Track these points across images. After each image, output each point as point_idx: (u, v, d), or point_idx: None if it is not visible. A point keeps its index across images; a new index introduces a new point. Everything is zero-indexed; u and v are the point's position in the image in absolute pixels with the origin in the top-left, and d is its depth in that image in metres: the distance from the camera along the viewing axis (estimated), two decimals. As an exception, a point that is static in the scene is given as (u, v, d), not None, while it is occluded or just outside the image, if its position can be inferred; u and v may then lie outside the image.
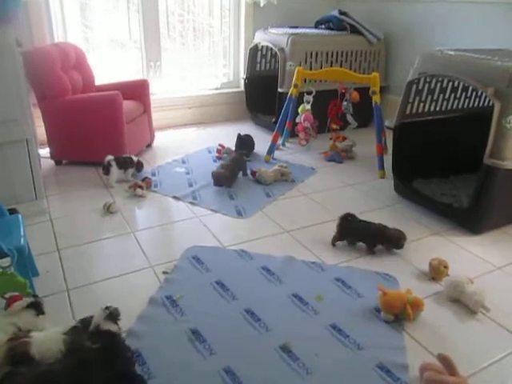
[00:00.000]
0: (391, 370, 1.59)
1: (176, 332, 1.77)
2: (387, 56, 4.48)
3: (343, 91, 3.56)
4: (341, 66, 4.16)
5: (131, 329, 1.77)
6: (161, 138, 4.11)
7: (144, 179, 3.09)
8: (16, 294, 1.77)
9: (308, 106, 3.66)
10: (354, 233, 2.38)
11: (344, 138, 3.68)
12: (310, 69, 4.00)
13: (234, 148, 3.63)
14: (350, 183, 3.21)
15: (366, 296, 1.99)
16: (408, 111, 2.86)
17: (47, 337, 1.54)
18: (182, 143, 4.06)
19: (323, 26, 4.49)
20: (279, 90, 4.08)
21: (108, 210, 2.74)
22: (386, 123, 3.18)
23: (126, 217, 2.72)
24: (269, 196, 3.00)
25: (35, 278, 2.05)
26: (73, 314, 1.89)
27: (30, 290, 1.80)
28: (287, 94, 3.66)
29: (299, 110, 3.72)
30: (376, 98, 3.32)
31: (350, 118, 3.59)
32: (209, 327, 1.79)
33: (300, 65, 3.86)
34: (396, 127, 2.88)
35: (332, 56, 4.17)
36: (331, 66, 4.12)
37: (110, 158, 3.11)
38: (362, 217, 2.42)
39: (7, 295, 1.77)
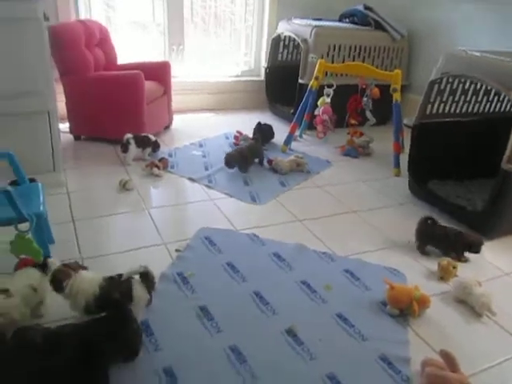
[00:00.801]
0: (393, 362, 1.61)
1: (185, 308, 1.81)
2: (410, 53, 4.45)
3: (364, 87, 3.55)
4: (363, 61, 4.13)
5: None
6: (179, 121, 4.14)
7: (161, 159, 3.12)
8: (28, 257, 1.84)
9: (328, 99, 3.66)
10: (434, 238, 2.29)
11: (361, 134, 3.67)
12: (332, 62, 3.99)
13: (251, 135, 3.65)
14: (364, 179, 3.22)
15: (373, 289, 2.00)
16: (428, 111, 2.85)
17: (88, 278, 1.65)
18: (200, 127, 4.09)
19: (347, 20, 4.47)
20: (300, 81, 4.08)
21: (124, 186, 2.78)
22: (405, 121, 3.18)
23: (141, 194, 2.76)
24: (283, 185, 3.01)
25: (50, 246, 2.09)
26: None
27: (42, 258, 1.85)
28: (307, 85, 3.66)
29: (318, 102, 3.73)
30: (396, 96, 3.31)
31: (369, 114, 3.59)
32: (217, 306, 1.83)
33: (322, 57, 3.85)
34: (415, 126, 2.87)
35: (355, 50, 4.15)
36: (353, 60, 4.10)
37: (129, 136, 3.15)
38: (374, 213, 2.43)
39: (21, 256, 1.83)
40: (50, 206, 2.36)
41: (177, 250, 2.18)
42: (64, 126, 3.59)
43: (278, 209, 2.70)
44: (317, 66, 3.54)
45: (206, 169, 3.17)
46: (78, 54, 3.36)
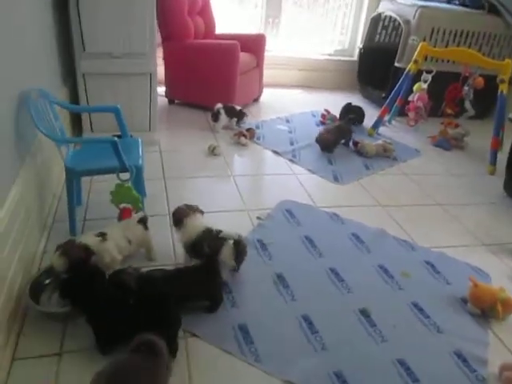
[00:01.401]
0: (469, 360, 1.56)
1: (263, 273, 1.87)
2: (524, 44, 4.07)
3: (467, 75, 3.32)
4: (469, 47, 3.85)
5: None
6: (268, 95, 4.18)
7: (249, 129, 3.19)
8: (128, 206, 1.99)
9: (424, 86, 3.49)
10: None
11: (457, 126, 3.47)
12: (435, 46, 3.75)
13: (338, 115, 3.59)
14: (454, 173, 3.06)
15: (454, 284, 1.93)
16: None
17: (195, 223, 1.82)
18: (288, 103, 4.10)
19: (457, 2, 4.17)
20: (396, 64, 3.91)
21: (212, 152, 2.89)
22: (511, 116, 2.94)
23: (227, 161, 2.86)
24: (368, 168, 2.96)
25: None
26: (172, 235, 2.05)
27: (141, 205, 2.00)
28: (404, 69, 3.50)
29: (414, 88, 3.55)
30: (503, 88, 3.06)
31: (468, 104, 3.37)
32: (293, 276, 1.87)
33: (424, 40, 3.65)
34: (521, 122, 2.66)
35: (461, 35, 3.88)
36: (458, 46, 3.84)
37: (219, 106, 3.25)
38: (461, 208, 2.31)
39: (121, 206, 1.99)
40: (144, 163, 2.53)
41: (258, 218, 2.24)
42: (160, 90, 3.77)
43: (360, 191, 2.66)
44: (418, 49, 3.37)
45: (291, 144, 3.19)
46: (181, 20, 3.49)
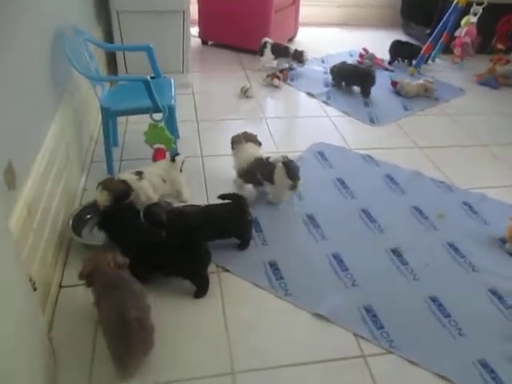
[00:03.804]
0: (504, 297, 1.54)
1: (293, 213, 1.89)
2: None
3: (522, 5, 3.05)
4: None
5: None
6: (304, 34, 4.01)
7: (282, 71, 3.10)
8: (162, 147, 2.02)
9: (474, 19, 3.23)
10: None
11: (507, 62, 3.23)
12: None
13: (377, 54, 3.41)
14: (501, 112, 2.88)
15: (492, 225, 1.88)
16: None
17: (247, 152, 1.92)
18: (324, 42, 3.92)
19: None
20: (443, -4, 3.62)
21: (245, 93, 2.84)
22: None
23: (260, 103, 2.81)
24: (406, 109, 2.83)
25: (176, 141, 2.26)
26: (204, 177, 2.08)
27: (174, 145, 2.02)
28: (452, 1, 3.24)
29: (462, 22, 3.31)
30: None
31: (521, 38, 3.11)
32: (324, 216, 1.87)
33: (476, -32, 3.34)
34: None
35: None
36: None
37: (266, 39, 3.16)
38: (506, 148, 2.21)
39: (155, 146, 2.02)
40: (177, 105, 2.53)
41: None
42: (194, 31, 3.69)
43: (397, 133, 2.57)
44: (468, -23, 3.09)
45: (326, 85, 3.08)
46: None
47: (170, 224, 1.55)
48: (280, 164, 1.80)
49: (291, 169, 1.81)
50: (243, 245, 1.68)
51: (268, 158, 1.85)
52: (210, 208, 1.68)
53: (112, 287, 1.20)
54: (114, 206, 1.53)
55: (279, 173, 1.80)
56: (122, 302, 1.16)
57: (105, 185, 1.67)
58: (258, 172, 1.87)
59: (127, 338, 1.14)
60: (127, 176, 1.75)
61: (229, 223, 1.64)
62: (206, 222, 1.59)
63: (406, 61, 3.02)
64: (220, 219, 1.62)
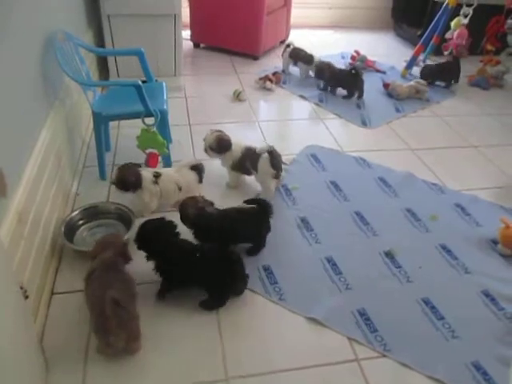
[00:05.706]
0: (497, 299, 1.55)
1: (286, 217, 1.89)
2: None
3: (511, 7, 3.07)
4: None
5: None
6: (295, 37, 3.99)
7: (274, 74, 3.10)
8: (154, 151, 2.01)
9: (465, 21, 3.24)
10: None
11: (497, 63, 3.25)
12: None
13: (369, 56, 3.43)
14: (491, 113, 2.90)
15: (484, 226, 1.89)
16: None
17: (237, 144, 1.99)
18: (316, 44, 3.92)
19: None
20: (433, -2, 3.65)
21: (237, 97, 2.84)
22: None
23: (252, 106, 2.81)
24: (398, 111, 2.85)
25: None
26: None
27: (167, 150, 2.01)
28: (442, 3, 3.26)
29: (452, 23, 3.32)
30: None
31: (510, 39, 3.13)
32: (317, 220, 1.87)
33: (465, -30, 3.36)
34: None
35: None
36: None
37: (290, 41, 3.21)
38: (497, 150, 2.22)
39: (148, 151, 2.01)
40: (169, 109, 2.52)
41: (283, 163, 2.22)
42: (185, 34, 3.68)
43: (389, 135, 2.58)
44: (457, -21, 3.11)
45: (318, 87, 3.09)
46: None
47: (196, 229, 1.59)
48: (265, 155, 1.90)
49: (274, 157, 1.91)
50: (255, 250, 1.68)
51: (255, 149, 1.95)
52: (235, 212, 1.66)
53: (107, 267, 1.29)
54: (150, 226, 1.46)
55: (263, 162, 1.90)
56: (108, 281, 1.26)
57: (120, 170, 1.74)
58: (247, 161, 1.95)
59: (102, 313, 1.16)
60: (146, 174, 1.78)
61: (252, 228, 1.65)
62: (231, 225, 1.60)
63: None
64: (242, 224, 1.63)
